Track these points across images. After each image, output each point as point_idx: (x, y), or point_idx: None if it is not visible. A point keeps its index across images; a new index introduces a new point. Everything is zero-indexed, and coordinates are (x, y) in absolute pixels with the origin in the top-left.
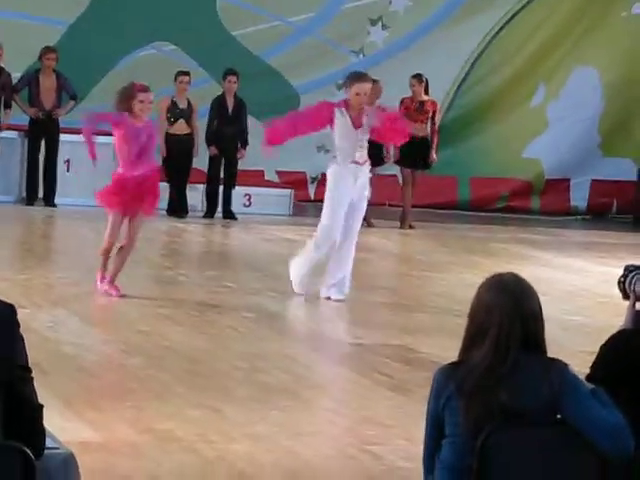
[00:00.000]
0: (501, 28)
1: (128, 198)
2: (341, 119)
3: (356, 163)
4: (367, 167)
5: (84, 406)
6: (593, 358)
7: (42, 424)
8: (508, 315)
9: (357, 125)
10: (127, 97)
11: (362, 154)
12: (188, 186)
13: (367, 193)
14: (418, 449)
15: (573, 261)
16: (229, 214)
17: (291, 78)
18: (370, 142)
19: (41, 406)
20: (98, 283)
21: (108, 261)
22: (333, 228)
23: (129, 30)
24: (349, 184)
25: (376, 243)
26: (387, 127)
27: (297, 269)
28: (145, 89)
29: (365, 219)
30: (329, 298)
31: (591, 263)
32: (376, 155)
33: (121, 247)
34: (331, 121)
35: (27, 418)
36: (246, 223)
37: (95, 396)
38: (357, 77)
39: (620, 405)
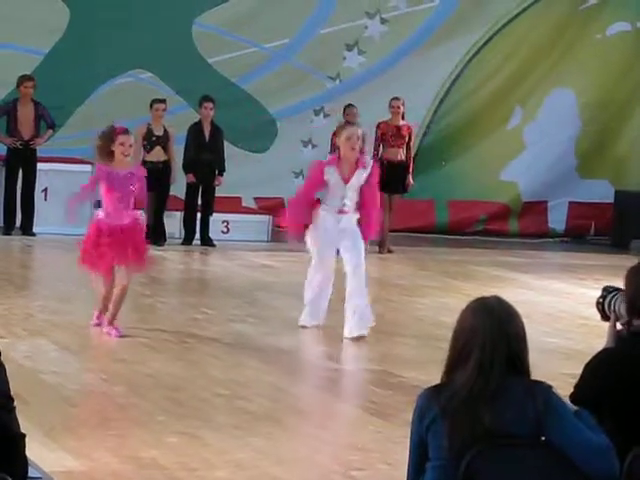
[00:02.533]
0: (477, 52)
1: (110, 244)
2: (331, 176)
3: (342, 212)
4: (354, 215)
5: (65, 435)
6: (573, 380)
7: (24, 453)
8: (492, 337)
9: (346, 181)
10: (107, 141)
11: (350, 205)
12: (165, 213)
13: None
14: (400, 473)
15: (552, 283)
16: (207, 241)
17: (268, 104)
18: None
19: (23, 435)
20: (95, 321)
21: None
22: (324, 261)
23: (105, 58)
24: (331, 227)
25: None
26: (364, 212)
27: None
28: (125, 131)
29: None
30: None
31: (570, 285)
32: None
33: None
34: (323, 180)
35: (9, 447)
36: (224, 250)
37: (76, 425)
38: (344, 125)
39: (603, 424)
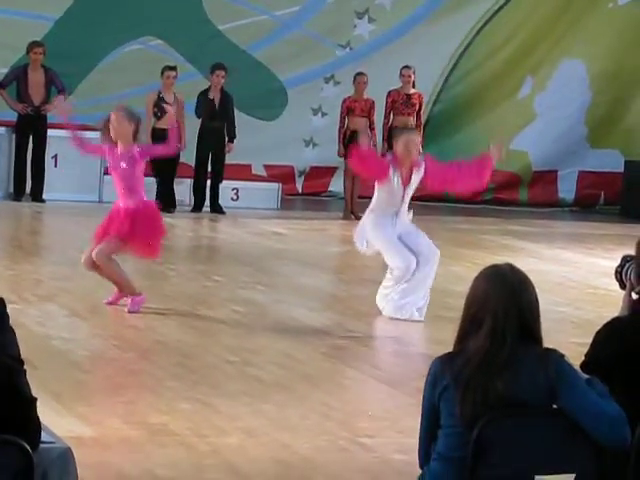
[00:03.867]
0: (487, 21)
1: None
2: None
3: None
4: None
5: (75, 401)
6: (583, 349)
7: (36, 417)
8: (504, 305)
9: (405, 183)
10: (105, 122)
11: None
12: (175, 180)
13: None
14: (410, 441)
15: (561, 252)
16: (217, 208)
17: (278, 72)
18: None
19: (34, 399)
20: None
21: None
22: (408, 265)
23: (116, 25)
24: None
25: None
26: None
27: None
28: (117, 109)
29: (352, 212)
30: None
31: (579, 254)
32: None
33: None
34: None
35: (21, 411)
36: (234, 217)
37: (86, 391)
38: (400, 131)
39: (615, 391)
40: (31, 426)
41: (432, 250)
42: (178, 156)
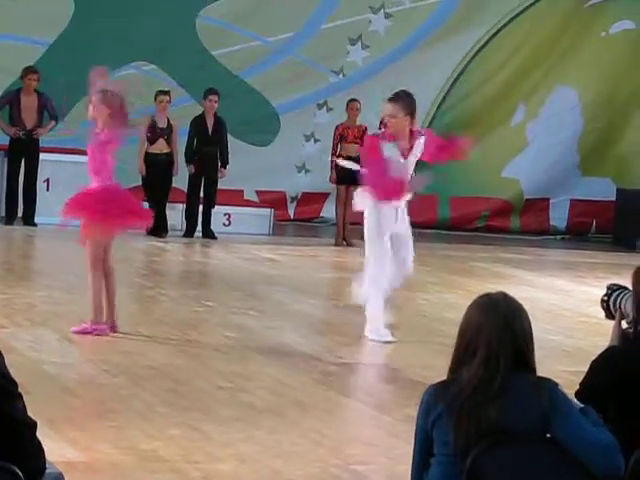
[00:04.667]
0: (481, 48)
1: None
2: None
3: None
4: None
5: (67, 425)
6: (574, 378)
7: (36, 442)
8: (498, 334)
9: (406, 155)
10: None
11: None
12: (168, 205)
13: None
14: (401, 468)
15: (553, 280)
16: (209, 233)
17: (271, 98)
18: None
19: (34, 423)
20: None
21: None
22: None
23: (109, 49)
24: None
25: (356, 263)
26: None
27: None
28: (98, 90)
29: (344, 238)
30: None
31: (571, 282)
32: (357, 174)
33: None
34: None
35: (18, 437)
36: (226, 242)
37: (78, 415)
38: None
39: (609, 420)
40: (31, 451)
41: (405, 270)
42: (170, 181)
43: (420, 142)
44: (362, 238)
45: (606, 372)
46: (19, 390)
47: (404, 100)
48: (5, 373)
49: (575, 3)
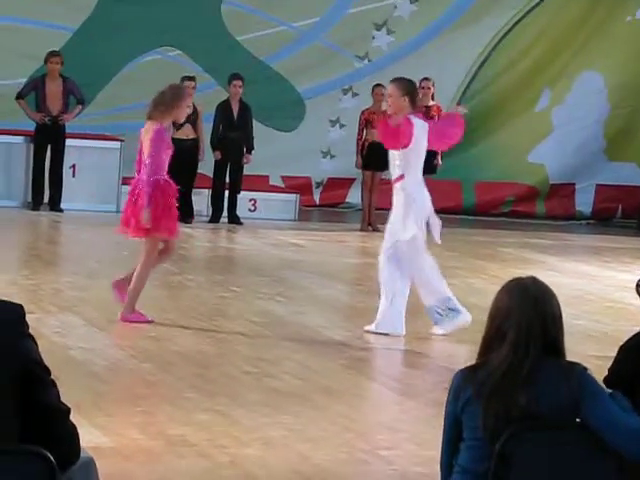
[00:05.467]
0: (506, 33)
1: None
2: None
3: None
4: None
5: (94, 411)
6: (601, 362)
7: (70, 428)
8: (528, 318)
9: None
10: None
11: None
12: (193, 191)
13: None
14: (428, 454)
15: (579, 265)
16: (234, 219)
17: (296, 83)
18: (376, 145)
19: (68, 409)
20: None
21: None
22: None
23: (134, 35)
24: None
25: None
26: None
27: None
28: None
29: (370, 224)
30: None
31: (597, 267)
32: (383, 159)
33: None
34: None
35: (53, 423)
36: (251, 228)
37: (105, 401)
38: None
39: (638, 407)
40: (67, 437)
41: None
42: (196, 166)
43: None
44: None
45: (634, 358)
46: (52, 377)
47: (400, 81)
48: (39, 360)
49: None
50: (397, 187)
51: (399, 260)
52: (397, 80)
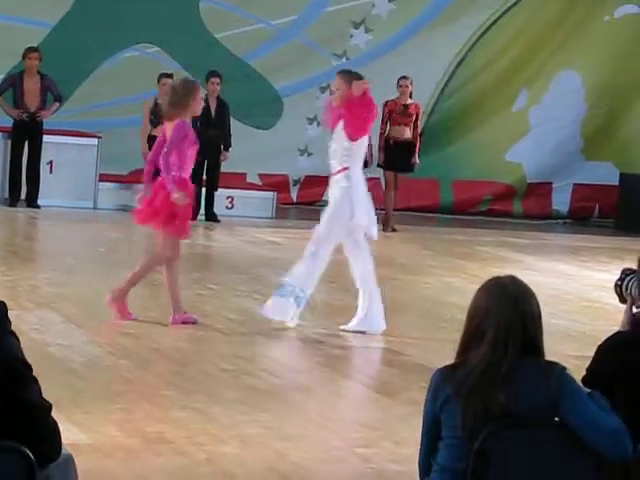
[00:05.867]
0: (484, 32)
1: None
2: None
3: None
4: (337, 177)
5: (72, 408)
6: (579, 362)
7: (52, 425)
8: (507, 317)
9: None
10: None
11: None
12: None
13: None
14: (406, 452)
15: (556, 265)
16: (212, 216)
17: (274, 80)
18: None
19: (49, 406)
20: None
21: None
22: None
23: (112, 32)
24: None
25: None
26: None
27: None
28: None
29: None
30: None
31: (574, 267)
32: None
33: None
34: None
35: (34, 420)
36: (229, 225)
37: (83, 398)
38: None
39: (616, 406)
40: (48, 434)
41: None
42: None
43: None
44: None
45: (612, 358)
46: (33, 374)
47: (344, 73)
48: (20, 357)
49: None
50: (338, 178)
51: (361, 250)
52: (340, 72)
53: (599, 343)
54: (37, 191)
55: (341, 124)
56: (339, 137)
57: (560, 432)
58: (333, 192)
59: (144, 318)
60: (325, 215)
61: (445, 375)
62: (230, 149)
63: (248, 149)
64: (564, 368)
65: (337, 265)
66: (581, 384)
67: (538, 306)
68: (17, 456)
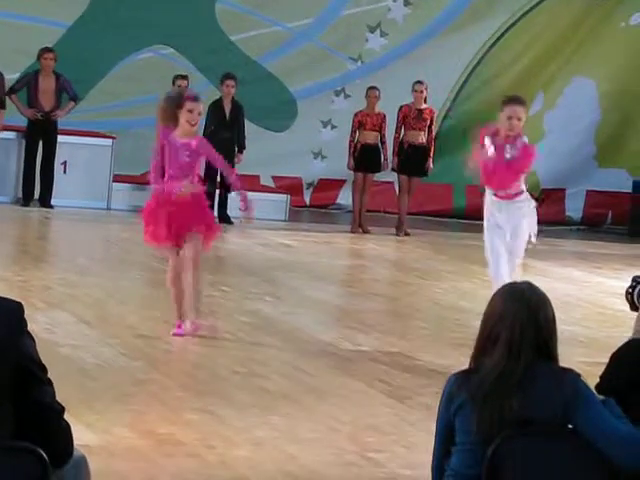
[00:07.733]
0: (500, 37)
1: (169, 213)
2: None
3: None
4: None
5: (83, 409)
6: (591, 368)
7: (64, 427)
8: (521, 322)
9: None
10: (173, 105)
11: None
12: None
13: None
14: (418, 457)
15: (569, 271)
16: (225, 218)
17: (289, 83)
18: (368, 147)
19: (62, 409)
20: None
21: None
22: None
23: (128, 33)
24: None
25: (372, 250)
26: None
27: None
28: (194, 98)
29: (360, 225)
30: None
31: (587, 273)
32: (375, 161)
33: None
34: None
35: (47, 422)
36: (242, 228)
37: (94, 399)
38: (509, 99)
39: (629, 415)
40: (60, 437)
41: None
42: None
43: None
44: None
45: (626, 366)
46: (48, 376)
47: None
48: (35, 358)
49: None
50: None
51: None
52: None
53: (612, 350)
54: (51, 191)
55: None
56: None
57: (574, 439)
58: None
59: (154, 319)
60: None
61: (460, 380)
62: (244, 151)
63: (262, 151)
64: (578, 375)
65: (353, 269)
66: (595, 391)
67: (553, 313)
68: (31, 457)
